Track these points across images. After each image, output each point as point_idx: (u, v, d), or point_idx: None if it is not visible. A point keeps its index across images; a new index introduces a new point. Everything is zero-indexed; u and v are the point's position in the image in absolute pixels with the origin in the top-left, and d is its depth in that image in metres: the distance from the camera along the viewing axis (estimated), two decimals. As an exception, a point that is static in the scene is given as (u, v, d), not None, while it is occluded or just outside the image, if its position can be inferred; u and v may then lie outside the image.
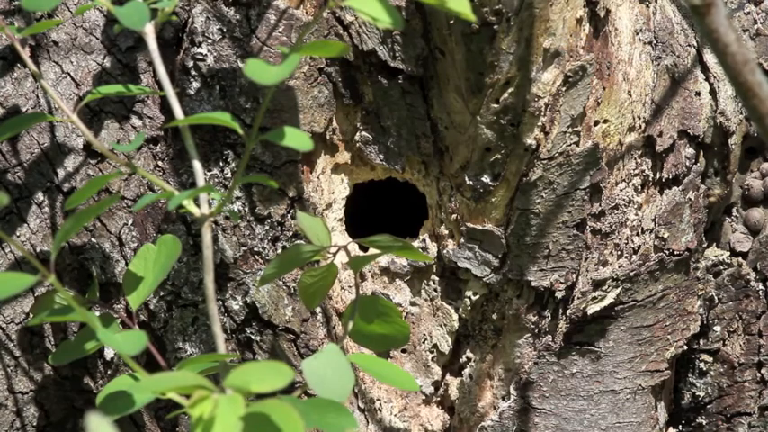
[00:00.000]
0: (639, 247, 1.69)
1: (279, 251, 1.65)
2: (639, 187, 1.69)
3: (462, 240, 1.68)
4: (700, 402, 1.80)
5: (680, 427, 1.81)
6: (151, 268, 1.51)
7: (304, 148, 1.39)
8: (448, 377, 1.75)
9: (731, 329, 1.78)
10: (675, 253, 1.70)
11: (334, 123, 1.69)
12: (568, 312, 1.69)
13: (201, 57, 1.62)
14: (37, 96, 1.63)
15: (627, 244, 1.69)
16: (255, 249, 1.65)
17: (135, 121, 1.64)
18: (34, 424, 1.69)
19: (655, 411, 1.74)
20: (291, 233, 1.66)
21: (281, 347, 1.66)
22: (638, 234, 1.69)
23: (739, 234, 1.79)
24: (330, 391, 1.36)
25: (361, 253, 1.69)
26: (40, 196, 1.64)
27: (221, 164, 1.64)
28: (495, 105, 1.61)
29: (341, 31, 1.64)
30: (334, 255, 1.52)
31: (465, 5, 1.32)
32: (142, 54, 1.63)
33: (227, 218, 1.64)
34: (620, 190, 1.68)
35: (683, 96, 1.70)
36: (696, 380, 1.79)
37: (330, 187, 1.71)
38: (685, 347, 1.75)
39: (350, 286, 1.71)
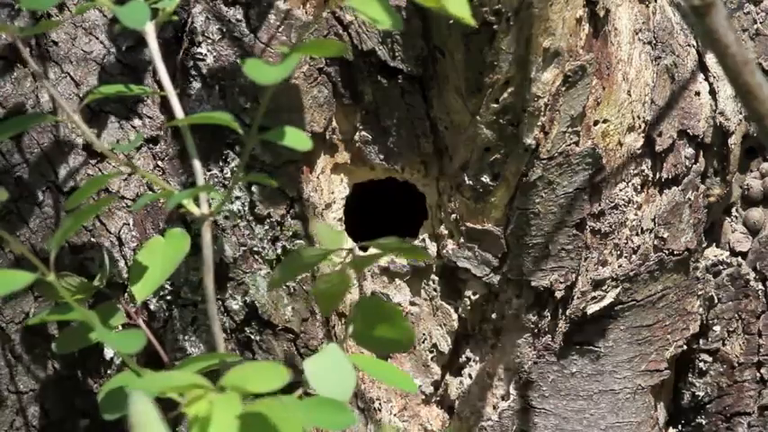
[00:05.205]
0: (639, 247, 1.69)
1: (279, 251, 1.65)
2: (639, 187, 1.69)
3: (462, 240, 1.69)
4: (699, 402, 1.80)
5: (680, 426, 1.81)
6: (159, 261, 1.50)
7: (303, 147, 1.39)
8: (448, 377, 1.75)
9: (731, 329, 1.78)
10: (675, 253, 1.70)
11: (334, 123, 1.69)
12: (568, 312, 1.69)
13: (201, 57, 1.62)
14: (37, 96, 1.63)
15: (626, 244, 1.69)
16: (255, 249, 1.65)
17: (135, 120, 1.65)
18: (34, 424, 1.70)
19: (654, 411, 1.74)
20: (291, 233, 1.66)
21: (280, 347, 1.67)
22: (637, 234, 1.69)
23: (739, 234, 1.79)
24: (332, 390, 1.36)
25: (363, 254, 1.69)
26: (40, 196, 1.64)
27: (221, 163, 1.64)
28: (495, 105, 1.61)
29: (341, 31, 1.64)
30: (345, 259, 1.52)
31: (464, 9, 1.32)
32: (142, 54, 1.64)
33: (226, 218, 1.64)
34: (620, 190, 1.68)
35: (682, 96, 1.70)
36: (696, 380, 1.79)
37: (330, 187, 1.71)
38: (685, 347, 1.75)
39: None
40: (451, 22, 1.57)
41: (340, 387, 1.36)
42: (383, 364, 1.50)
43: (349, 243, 1.68)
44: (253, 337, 1.66)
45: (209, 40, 1.61)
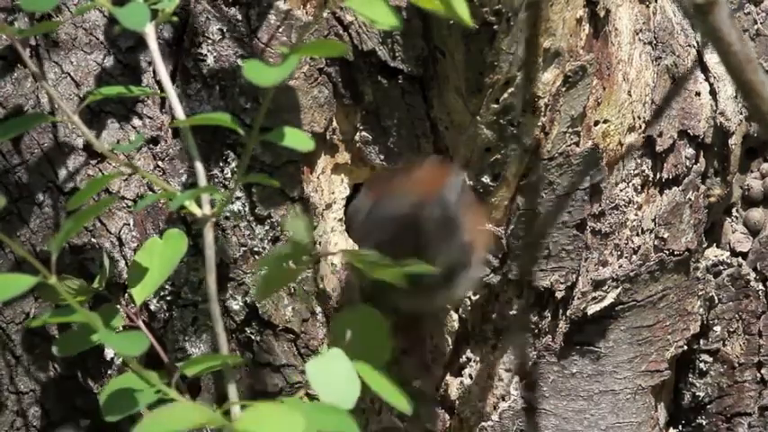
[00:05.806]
0: (639, 248, 1.69)
1: (279, 251, 1.65)
2: (639, 187, 1.69)
3: (462, 240, 1.69)
4: (700, 402, 1.80)
5: (680, 427, 1.81)
6: (157, 263, 1.50)
7: (304, 148, 1.39)
8: (448, 377, 1.75)
9: (731, 329, 1.78)
10: (675, 253, 1.70)
11: (335, 123, 1.68)
12: (568, 312, 1.69)
13: (202, 57, 1.62)
14: (37, 96, 1.63)
15: (627, 244, 1.69)
16: (255, 249, 1.65)
17: (135, 121, 1.64)
18: (35, 424, 1.69)
19: (655, 411, 1.74)
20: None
21: (280, 347, 1.66)
22: (638, 234, 1.69)
23: (739, 234, 1.79)
24: (336, 397, 1.34)
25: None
26: (40, 196, 1.64)
27: (221, 164, 1.64)
28: (495, 105, 1.61)
29: (341, 32, 1.64)
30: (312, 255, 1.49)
31: (464, 10, 1.32)
32: (143, 54, 1.63)
33: (227, 218, 1.64)
34: (620, 190, 1.68)
35: (683, 96, 1.70)
36: (696, 380, 1.79)
37: (330, 187, 1.71)
38: (685, 347, 1.75)
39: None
40: (452, 22, 1.56)
41: (344, 394, 1.34)
42: (383, 376, 1.48)
43: (346, 241, 1.69)
44: (253, 337, 1.66)
45: (210, 41, 1.61)
